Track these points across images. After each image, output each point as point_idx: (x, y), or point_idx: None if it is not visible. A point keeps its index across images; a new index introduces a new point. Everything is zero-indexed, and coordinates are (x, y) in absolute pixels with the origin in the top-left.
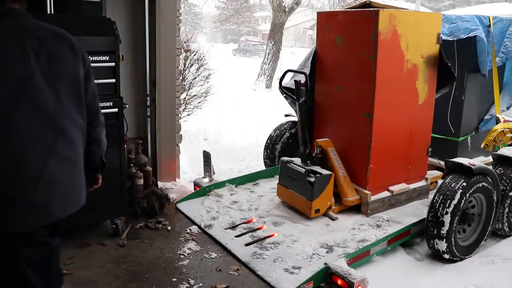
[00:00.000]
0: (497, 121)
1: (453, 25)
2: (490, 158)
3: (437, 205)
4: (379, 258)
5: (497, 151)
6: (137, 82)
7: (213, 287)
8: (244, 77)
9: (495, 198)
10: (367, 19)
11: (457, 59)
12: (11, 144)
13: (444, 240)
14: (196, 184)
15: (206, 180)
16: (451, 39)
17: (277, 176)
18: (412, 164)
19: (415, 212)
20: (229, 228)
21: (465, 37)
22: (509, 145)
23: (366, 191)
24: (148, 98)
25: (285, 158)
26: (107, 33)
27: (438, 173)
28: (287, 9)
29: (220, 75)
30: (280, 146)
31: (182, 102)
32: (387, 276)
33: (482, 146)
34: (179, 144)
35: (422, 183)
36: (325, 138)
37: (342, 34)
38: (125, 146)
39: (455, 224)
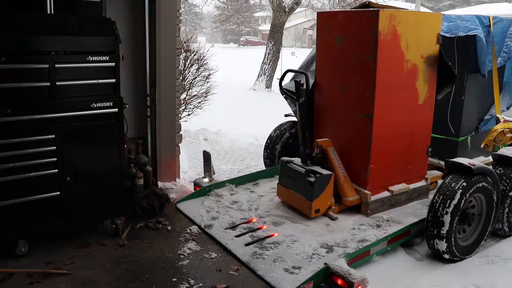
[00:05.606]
0: (497, 121)
1: (452, 23)
2: (490, 158)
3: (437, 205)
4: (379, 258)
5: (497, 151)
6: (137, 82)
7: (213, 287)
8: (244, 77)
9: (495, 198)
10: (367, 19)
11: (457, 59)
12: None
13: (444, 240)
14: (196, 184)
15: (206, 180)
16: (449, 35)
17: (277, 176)
18: (412, 164)
19: (415, 212)
20: (229, 228)
21: (463, 34)
22: (509, 145)
23: (366, 191)
24: (148, 98)
25: (285, 158)
26: (107, 33)
27: (438, 173)
28: (287, 9)
29: (221, 74)
30: (280, 146)
31: (182, 102)
32: (387, 276)
33: (482, 146)
34: (179, 144)
35: (422, 183)
36: (325, 138)
37: (342, 34)
38: (125, 146)
39: (455, 224)
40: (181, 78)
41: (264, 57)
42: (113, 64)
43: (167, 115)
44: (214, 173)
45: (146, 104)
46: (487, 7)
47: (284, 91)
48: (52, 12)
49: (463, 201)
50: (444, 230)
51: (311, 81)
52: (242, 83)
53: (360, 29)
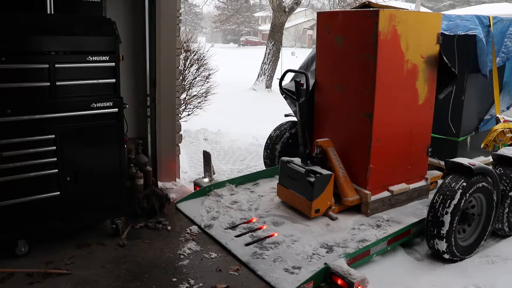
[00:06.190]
0: (497, 121)
1: (452, 22)
2: (490, 158)
3: (437, 205)
4: (379, 258)
5: (497, 151)
6: (137, 82)
7: (213, 287)
8: (244, 77)
9: (495, 198)
10: (367, 19)
11: (457, 59)
12: None
13: (444, 240)
14: (196, 184)
15: (206, 180)
16: (448, 33)
17: (277, 176)
18: (412, 164)
19: (415, 212)
20: (229, 228)
21: (463, 33)
22: (509, 145)
23: (366, 191)
24: (148, 98)
25: (285, 158)
26: (107, 33)
27: (438, 173)
28: (287, 9)
29: (221, 74)
30: (280, 146)
31: (182, 102)
32: (387, 276)
33: (482, 146)
34: (179, 144)
35: (422, 183)
36: (325, 138)
37: (342, 34)
38: (125, 146)
39: (455, 224)
40: (181, 78)
41: (264, 57)
42: (113, 64)
43: (167, 115)
44: (214, 173)
45: (146, 104)
46: (487, 7)
47: (284, 91)
48: (52, 12)
49: (463, 201)
50: (444, 230)
51: (311, 81)
52: (242, 83)
53: (360, 29)
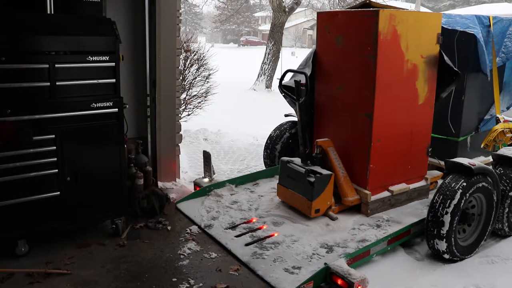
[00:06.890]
0: (497, 121)
1: (451, 19)
2: (490, 158)
3: (437, 205)
4: (379, 258)
5: (497, 151)
6: (137, 82)
7: (213, 287)
8: (244, 77)
9: (495, 198)
10: (367, 19)
11: (457, 58)
12: None
13: (444, 240)
14: (196, 184)
15: (206, 180)
16: (446, 27)
17: (277, 176)
18: (412, 164)
19: (415, 212)
20: (229, 228)
21: (461, 30)
22: (509, 145)
23: (366, 191)
24: (148, 98)
25: (285, 158)
26: (107, 33)
27: (438, 173)
28: (287, 9)
29: (221, 74)
30: (280, 146)
31: (182, 102)
32: (387, 276)
33: (482, 146)
34: (179, 144)
35: (422, 183)
36: (325, 138)
37: (342, 34)
38: (125, 146)
39: (455, 224)
40: (181, 78)
41: (264, 57)
42: (113, 64)
43: (167, 115)
44: (214, 173)
45: (146, 104)
46: (487, 7)
47: (283, 89)
48: (52, 12)
49: (463, 201)
50: (444, 230)
51: (308, 72)
52: (242, 83)
53: (360, 29)
